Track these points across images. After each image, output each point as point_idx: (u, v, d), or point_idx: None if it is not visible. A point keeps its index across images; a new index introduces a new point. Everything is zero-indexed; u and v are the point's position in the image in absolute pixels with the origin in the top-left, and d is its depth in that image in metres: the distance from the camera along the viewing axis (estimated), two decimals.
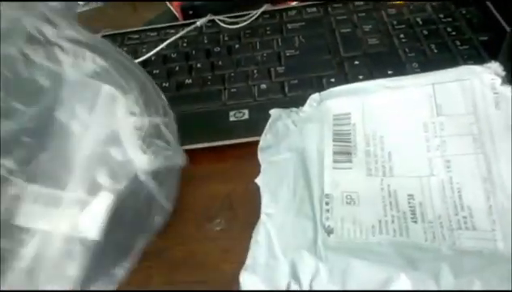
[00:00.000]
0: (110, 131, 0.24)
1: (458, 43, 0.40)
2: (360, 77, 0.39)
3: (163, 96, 0.28)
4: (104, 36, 0.48)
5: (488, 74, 0.30)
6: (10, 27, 0.23)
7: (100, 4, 0.61)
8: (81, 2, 0.59)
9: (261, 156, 0.33)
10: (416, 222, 0.26)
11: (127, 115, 0.24)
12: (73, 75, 0.24)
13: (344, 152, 0.30)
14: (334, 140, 0.31)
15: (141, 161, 0.24)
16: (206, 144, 0.36)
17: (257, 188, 0.31)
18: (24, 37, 0.23)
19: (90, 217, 0.22)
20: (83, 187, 0.23)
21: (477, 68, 0.31)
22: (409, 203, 0.27)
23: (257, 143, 0.34)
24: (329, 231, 0.26)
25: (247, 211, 0.31)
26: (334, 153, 0.30)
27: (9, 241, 0.22)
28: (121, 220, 0.23)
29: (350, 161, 0.30)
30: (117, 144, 0.23)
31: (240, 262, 0.27)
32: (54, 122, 0.23)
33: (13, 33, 0.23)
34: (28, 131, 0.23)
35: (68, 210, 0.22)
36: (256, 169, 0.32)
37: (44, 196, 0.22)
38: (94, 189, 0.23)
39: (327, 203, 0.28)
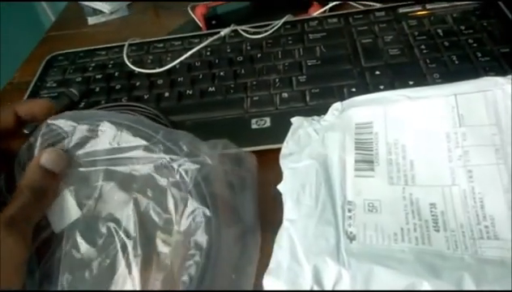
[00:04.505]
0: None
1: (479, 54, 0.40)
2: (381, 87, 0.39)
3: None
4: (130, 45, 0.50)
5: (510, 85, 0.30)
6: None
7: (125, 13, 0.63)
8: (107, 11, 0.61)
9: (283, 163, 0.33)
10: (438, 231, 0.26)
11: None
12: None
13: (366, 160, 0.31)
14: (356, 149, 0.31)
15: None
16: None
17: (279, 194, 0.32)
18: None
19: None
20: None
21: (499, 79, 0.31)
22: (431, 211, 0.27)
23: (278, 150, 0.34)
24: (351, 237, 0.27)
25: (270, 217, 0.31)
26: (356, 162, 0.31)
27: None
28: None
29: (372, 170, 0.30)
30: None
31: (263, 266, 0.28)
32: None
33: None
34: None
35: None
36: (278, 176, 0.33)
37: None
38: None
39: (350, 210, 0.28)
